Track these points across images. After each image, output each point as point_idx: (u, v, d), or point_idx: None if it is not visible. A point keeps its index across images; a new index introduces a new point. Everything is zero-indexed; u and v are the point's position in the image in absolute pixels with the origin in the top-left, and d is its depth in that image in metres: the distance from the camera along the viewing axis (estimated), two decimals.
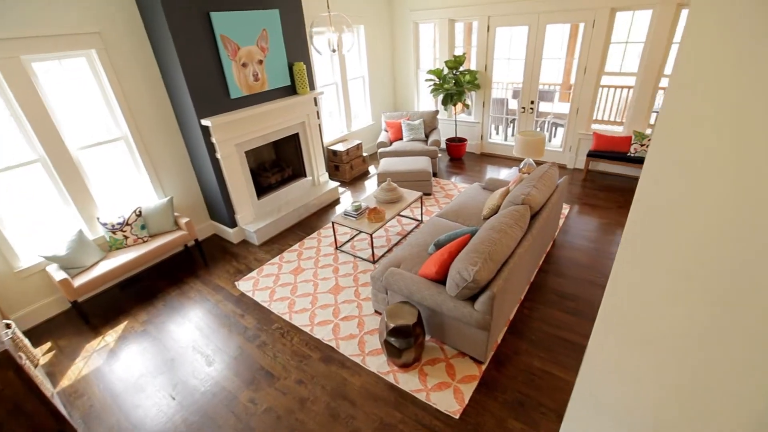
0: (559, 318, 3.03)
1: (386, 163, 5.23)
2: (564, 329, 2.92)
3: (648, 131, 5.06)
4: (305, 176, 5.18)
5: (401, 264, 3.04)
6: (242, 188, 4.33)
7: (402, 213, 4.84)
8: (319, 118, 5.10)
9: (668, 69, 4.69)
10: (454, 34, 6.14)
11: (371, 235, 3.71)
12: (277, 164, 5.10)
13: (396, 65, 6.91)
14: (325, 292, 3.52)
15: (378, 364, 2.73)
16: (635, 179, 5.28)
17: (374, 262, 3.88)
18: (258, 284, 3.71)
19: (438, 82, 5.94)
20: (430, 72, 5.98)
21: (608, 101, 5.94)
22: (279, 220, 4.59)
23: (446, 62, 5.82)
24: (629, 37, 5.19)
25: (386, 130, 6.35)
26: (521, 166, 4.50)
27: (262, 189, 4.82)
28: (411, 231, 4.42)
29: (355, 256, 4.01)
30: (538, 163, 5.36)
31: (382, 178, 5.13)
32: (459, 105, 6.20)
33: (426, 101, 7.18)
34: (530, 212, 3.00)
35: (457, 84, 5.80)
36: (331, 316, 3.23)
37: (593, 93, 5.20)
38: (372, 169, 6.40)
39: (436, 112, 6.17)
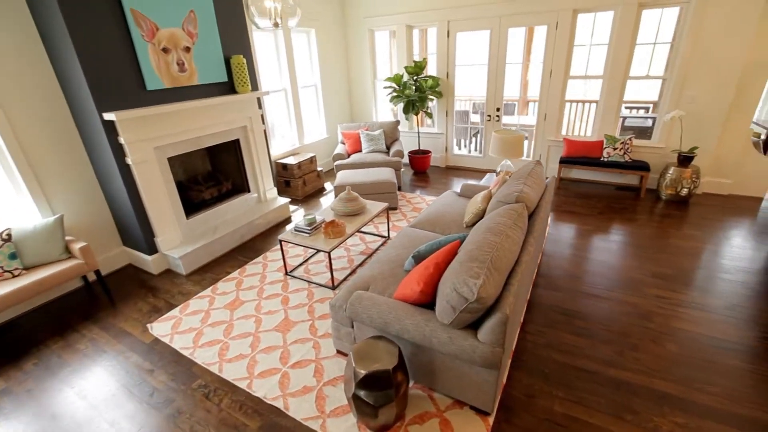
0: (570, 342, 2.43)
1: (345, 175, 4.57)
2: (579, 356, 2.32)
3: (618, 135, 4.87)
4: (248, 191, 4.37)
5: (369, 286, 2.32)
6: (164, 204, 3.44)
7: (365, 229, 4.15)
8: (264, 123, 4.38)
9: (633, 70, 4.57)
10: (412, 40, 5.80)
11: (329, 253, 2.97)
12: (214, 176, 4.26)
13: (352, 74, 6.43)
14: (270, 329, 2.68)
15: (345, 428, 1.94)
16: (610, 185, 5.03)
17: (334, 288, 3.12)
18: (179, 325, 2.79)
19: (398, 89, 5.49)
20: (388, 79, 5.53)
21: (576, 116, 5.79)
22: (214, 244, 3.70)
23: (406, 68, 5.41)
24: (593, 40, 5.08)
25: (343, 143, 5.75)
26: (498, 170, 4.05)
27: (193, 206, 3.93)
28: (377, 250, 3.73)
29: (309, 282, 3.23)
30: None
31: (340, 191, 4.46)
32: (421, 114, 5.78)
33: (385, 112, 6.73)
34: (527, 212, 2.44)
35: (419, 90, 5.38)
36: (277, 362, 2.39)
37: (560, 97, 4.98)
38: (328, 185, 5.70)
39: (397, 122, 5.69)
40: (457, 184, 5.44)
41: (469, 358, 1.77)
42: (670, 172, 4.36)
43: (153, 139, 3.24)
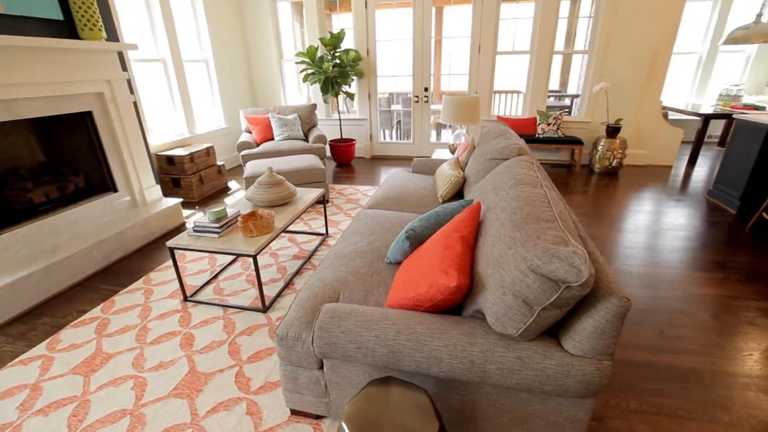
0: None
1: (257, 165, 3.52)
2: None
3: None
4: (115, 190, 3.01)
5: (340, 293, 1.43)
6: None
7: (293, 227, 3.17)
8: (133, 93, 3.08)
9: (558, 45, 4.52)
10: (323, 10, 5.00)
11: (255, 257, 1.96)
12: (50, 168, 2.79)
13: (252, 52, 5.33)
14: (164, 396, 1.57)
15: None
16: (546, 163, 4.91)
17: (265, 310, 2.10)
18: None
19: (313, 65, 4.62)
20: (300, 54, 4.63)
21: (504, 102, 5.66)
22: (52, 272, 2.32)
23: (322, 40, 4.58)
24: (519, 14, 4.95)
25: (249, 131, 4.63)
26: (453, 142, 3.47)
27: (13, 214, 2.46)
28: (316, 250, 2.79)
29: (225, 307, 2.14)
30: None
31: (250, 183, 3.40)
32: (338, 99, 5.00)
33: (295, 96, 5.78)
34: None
35: (339, 65, 4.60)
36: None
37: (491, 73, 4.71)
38: (234, 184, 4.51)
39: (314, 105, 4.80)
40: (386, 174, 4.76)
41: (559, 386, 1.02)
42: (601, 144, 4.36)
43: None
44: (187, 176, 3.82)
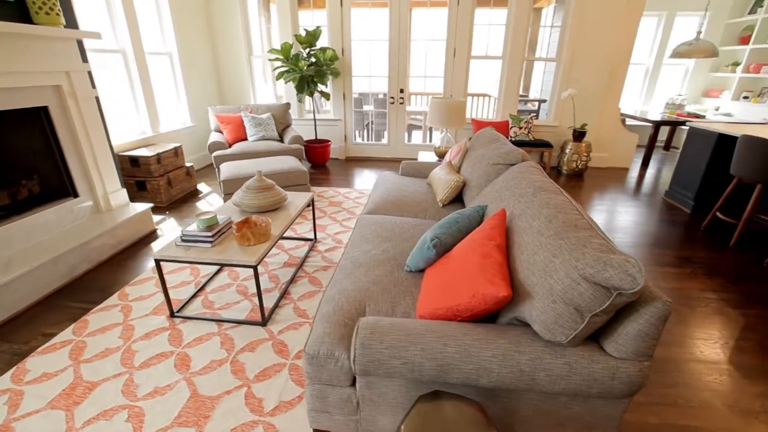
0: None
1: (233, 168, 3.34)
2: None
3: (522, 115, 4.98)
4: (75, 195, 2.70)
5: (366, 306, 1.38)
6: None
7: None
8: (94, 87, 2.78)
9: (529, 52, 4.71)
10: (296, 6, 4.84)
11: (256, 268, 1.84)
12: None
13: (219, 47, 5.04)
14: (170, 425, 1.42)
15: None
16: None
17: (264, 323, 1.98)
18: None
19: (288, 63, 4.46)
20: (273, 51, 4.45)
21: (477, 106, 5.80)
22: (6, 290, 2.04)
23: (297, 36, 4.43)
24: (492, 20, 5.09)
25: (219, 130, 4.38)
26: (439, 145, 3.49)
27: None
28: (307, 257, 2.69)
29: (219, 322, 2.00)
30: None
31: (230, 187, 3.22)
32: (316, 96, 4.87)
33: (265, 95, 5.55)
34: None
35: (315, 64, 4.47)
36: None
37: (465, 77, 4.81)
38: (204, 187, 4.23)
39: (288, 105, 4.64)
40: (366, 176, 4.71)
41: (605, 388, 1.05)
42: (569, 147, 4.62)
43: None
44: (154, 179, 3.53)
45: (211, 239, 1.94)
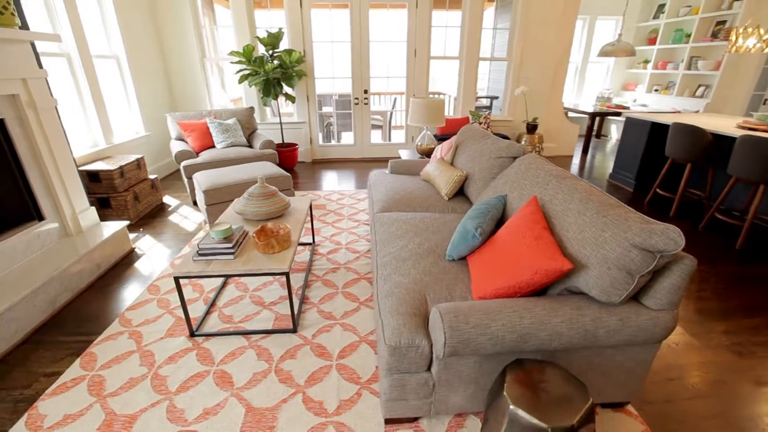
0: None
1: (213, 177, 3.18)
2: None
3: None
4: (39, 218, 2.41)
5: (426, 295, 1.47)
6: None
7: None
8: (53, 95, 2.49)
9: (483, 52, 5.05)
10: (252, 6, 4.69)
11: (288, 274, 1.82)
12: None
13: (170, 51, 4.70)
14: None
15: None
16: None
17: (295, 330, 1.97)
18: None
19: (251, 65, 4.31)
20: (234, 53, 4.27)
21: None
22: None
23: (260, 39, 4.30)
24: (449, 23, 5.34)
25: (181, 138, 4.11)
26: (418, 143, 3.62)
27: None
28: (312, 261, 2.68)
29: (248, 334, 1.94)
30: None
31: (213, 198, 3.08)
32: (278, 100, 4.76)
33: (219, 99, 5.29)
34: None
35: (281, 66, 4.38)
36: None
37: (426, 77, 5.02)
38: (170, 199, 3.95)
39: (252, 108, 4.49)
40: (337, 178, 4.72)
41: (649, 336, 1.26)
42: (524, 139, 5.05)
43: None
44: (120, 194, 3.23)
45: (232, 250, 1.88)
